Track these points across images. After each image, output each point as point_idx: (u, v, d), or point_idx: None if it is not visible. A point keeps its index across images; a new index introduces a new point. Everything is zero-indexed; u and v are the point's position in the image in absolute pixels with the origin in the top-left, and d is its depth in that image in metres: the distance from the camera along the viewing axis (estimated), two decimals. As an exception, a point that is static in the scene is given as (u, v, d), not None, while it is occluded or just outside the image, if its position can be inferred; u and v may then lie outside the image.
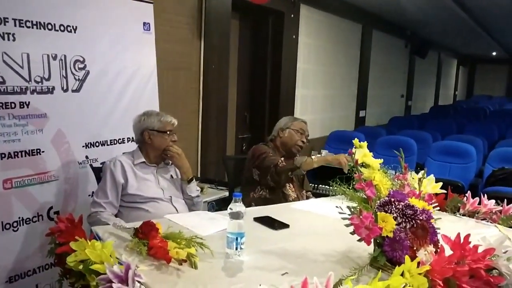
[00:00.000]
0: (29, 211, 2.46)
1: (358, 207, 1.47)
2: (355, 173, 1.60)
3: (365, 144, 1.64)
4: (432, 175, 2.08)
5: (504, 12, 7.57)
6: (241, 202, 1.59)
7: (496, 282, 1.49)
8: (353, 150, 1.63)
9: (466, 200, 2.23)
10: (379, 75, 8.37)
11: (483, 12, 7.70)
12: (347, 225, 1.44)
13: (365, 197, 1.55)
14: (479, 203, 2.18)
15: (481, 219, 2.16)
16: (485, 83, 17.75)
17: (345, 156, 2.50)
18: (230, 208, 1.57)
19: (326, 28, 6.25)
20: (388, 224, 1.45)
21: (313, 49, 6.00)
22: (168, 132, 2.42)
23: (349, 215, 1.47)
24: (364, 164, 1.61)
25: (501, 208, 2.13)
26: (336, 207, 1.47)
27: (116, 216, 2.32)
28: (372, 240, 1.46)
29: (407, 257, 1.37)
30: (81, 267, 1.40)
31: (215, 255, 1.58)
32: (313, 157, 2.61)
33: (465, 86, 18.31)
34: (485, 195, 2.22)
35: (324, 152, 5.33)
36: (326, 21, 6.22)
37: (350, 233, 1.44)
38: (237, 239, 1.57)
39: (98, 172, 2.61)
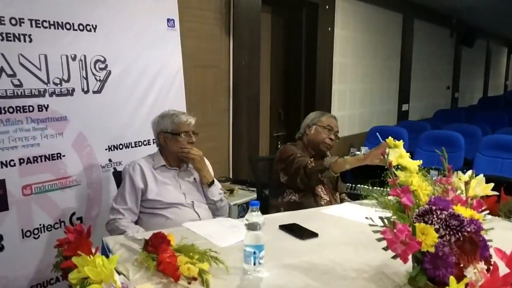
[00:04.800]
0: (50, 218, 2.38)
1: (392, 218, 1.26)
2: (389, 177, 1.39)
3: (401, 143, 1.42)
4: (481, 175, 1.84)
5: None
6: (259, 212, 1.41)
7: (562, 306, 1.25)
8: (387, 150, 1.42)
9: (523, 203, 1.96)
10: (422, 66, 7.95)
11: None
12: (378, 240, 1.23)
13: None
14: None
15: (541, 226, 1.89)
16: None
17: (375, 149, 2.13)
18: (246, 219, 1.40)
19: (363, 19, 5.96)
20: (428, 237, 1.23)
21: (350, 41, 5.73)
22: (182, 134, 2.27)
23: (381, 227, 1.26)
24: (400, 166, 1.39)
25: None
26: (366, 218, 1.27)
27: (136, 223, 2.20)
28: (409, 256, 1.25)
29: (452, 278, 1.15)
30: (78, 287, 1.27)
31: (231, 271, 1.42)
32: (345, 157, 2.37)
33: (517, 75, 17.30)
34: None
35: (364, 149, 5.07)
36: (364, 12, 5.93)
37: (383, 248, 1.24)
38: (254, 253, 1.40)
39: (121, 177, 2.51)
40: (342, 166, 2.28)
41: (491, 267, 1.26)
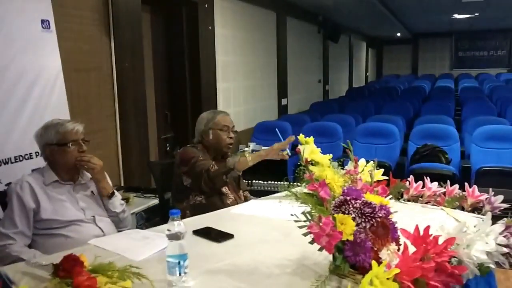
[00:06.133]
0: None
1: (315, 212, 1.31)
2: (303, 173, 1.45)
3: (311, 139, 1.48)
4: (372, 162, 2.00)
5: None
6: (180, 220, 1.37)
7: (460, 273, 1.42)
8: (300, 147, 1.47)
9: (409, 184, 2.17)
10: (296, 62, 8.38)
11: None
12: (305, 234, 1.28)
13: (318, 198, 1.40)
14: (423, 187, 2.13)
15: (425, 203, 2.11)
16: (392, 63, 18.66)
17: (277, 144, 2.30)
18: (168, 230, 1.35)
19: (241, 17, 6.09)
20: (347, 226, 1.31)
21: (230, 40, 5.82)
22: (70, 144, 2.08)
23: (304, 221, 1.31)
24: (313, 161, 1.45)
25: (444, 190, 2.09)
26: (291, 215, 1.31)
27: (30, 247, 1.99)
28: (331, 246, 1.31)
29: (374, 263, 1.24)
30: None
31: (155, 285, 1.35)
32: (246, 155, 2.40)
33: (375, 67, 19.12)
34: (428, 177, 2.18)
35: (252, 144, 5.19)
36: (241, 10, 6.06)
37: (309, 242, 1.29)
38: (179, 263, 1.35)
39: (3, 197, 2.24)
40: (245, 164, 2.33)
41: (400, 247, 1.39)
